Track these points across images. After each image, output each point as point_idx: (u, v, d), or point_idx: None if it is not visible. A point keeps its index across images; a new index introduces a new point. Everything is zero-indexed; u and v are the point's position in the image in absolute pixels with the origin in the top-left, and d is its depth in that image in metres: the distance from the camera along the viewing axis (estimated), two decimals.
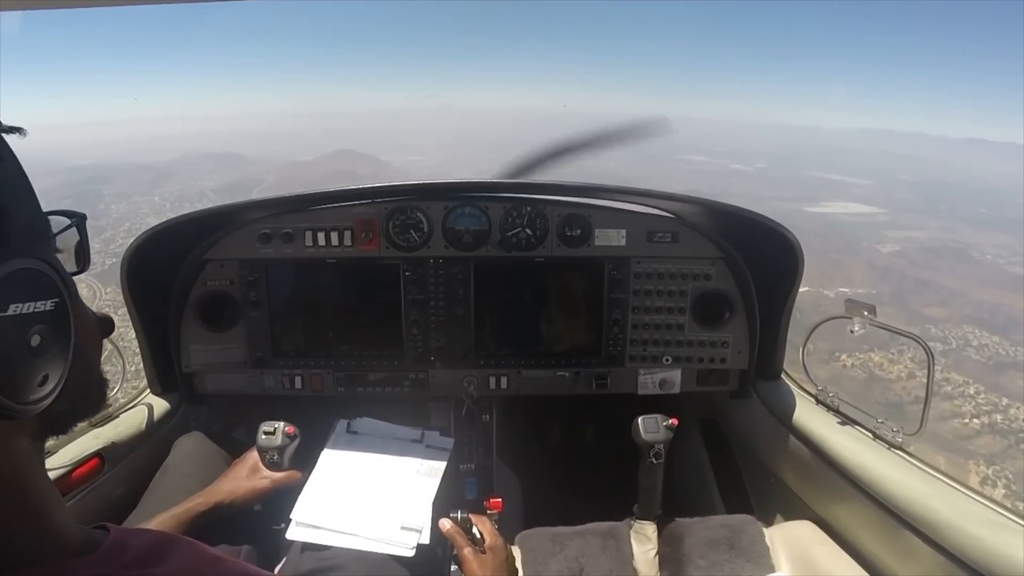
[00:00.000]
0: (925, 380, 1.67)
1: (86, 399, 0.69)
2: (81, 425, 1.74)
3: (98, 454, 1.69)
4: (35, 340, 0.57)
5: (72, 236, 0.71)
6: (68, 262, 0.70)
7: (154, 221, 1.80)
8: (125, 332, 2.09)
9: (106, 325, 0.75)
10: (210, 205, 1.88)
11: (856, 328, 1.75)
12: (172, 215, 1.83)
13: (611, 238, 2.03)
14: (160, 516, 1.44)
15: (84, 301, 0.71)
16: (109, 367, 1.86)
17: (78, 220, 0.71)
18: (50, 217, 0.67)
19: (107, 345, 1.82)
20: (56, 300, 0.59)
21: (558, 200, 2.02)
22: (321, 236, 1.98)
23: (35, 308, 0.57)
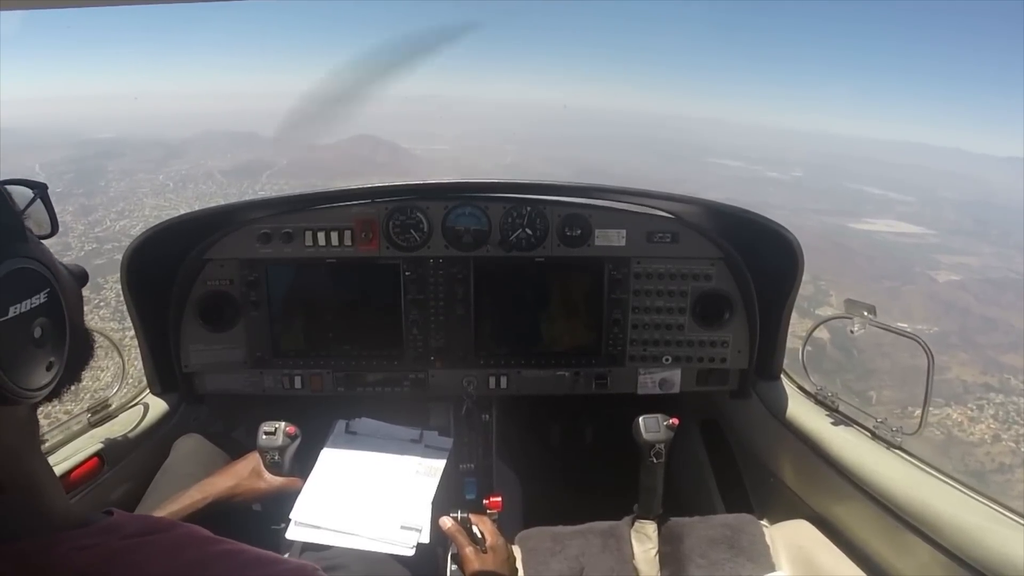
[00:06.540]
0: (925, 383, 1.67)
1: (79, 360, 0.73)
2: (81, 425, 1.75)
3: (98, 454, 1.68)
4: (37, 332, 0.61)
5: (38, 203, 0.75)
6: (37, 228, 0.73)
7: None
8: (125, 332, 2.08)
9: (80, 279, 0.78)
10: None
11: (856, 328, 1.75)
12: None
13: (611, 238, 2.04)
14: (158, 514, 1.44)
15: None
16: (107, 363, 1.85)
17: (40, 192, 0.74)
18: (14, 187, 0.70)
19: (107, 344, 1.81)
20: (48, 290, 0.63)
21: (558, 200, 2.02)
22: (321, 236, 1.98)
23: (31, 304, 0.60)
